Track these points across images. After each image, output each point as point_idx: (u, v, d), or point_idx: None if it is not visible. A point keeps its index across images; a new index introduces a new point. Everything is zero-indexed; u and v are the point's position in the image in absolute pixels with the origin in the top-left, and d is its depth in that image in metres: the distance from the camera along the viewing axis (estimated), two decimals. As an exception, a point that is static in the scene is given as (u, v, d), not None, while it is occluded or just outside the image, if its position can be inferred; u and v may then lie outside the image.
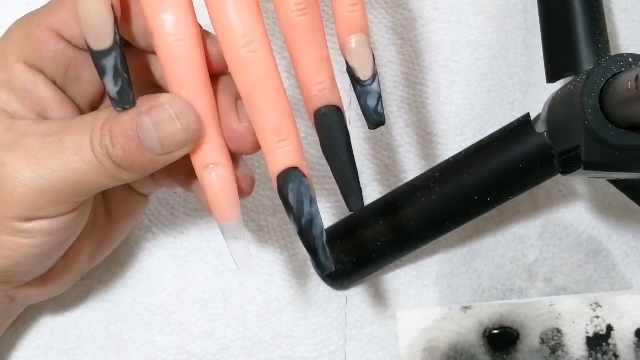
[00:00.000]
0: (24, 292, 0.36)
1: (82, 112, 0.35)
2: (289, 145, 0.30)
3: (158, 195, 0.43)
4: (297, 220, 0.30)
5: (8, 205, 0.31)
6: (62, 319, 0.42)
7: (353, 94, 0.32)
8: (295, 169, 0.30)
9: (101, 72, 0.29)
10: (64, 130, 0.31)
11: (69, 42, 0.32)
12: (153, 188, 0.39)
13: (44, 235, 0.32)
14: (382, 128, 0.43)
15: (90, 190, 0.32)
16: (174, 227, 0.43)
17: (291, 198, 0.30)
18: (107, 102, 0.36)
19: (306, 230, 0.31)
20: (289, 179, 0.30)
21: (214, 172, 0.31)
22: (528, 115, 0.38)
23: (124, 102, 0.30)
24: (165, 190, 0.43)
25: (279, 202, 0.43)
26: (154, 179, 0.37)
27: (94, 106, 0.36)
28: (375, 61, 0.31)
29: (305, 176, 0.30)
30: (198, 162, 0.31)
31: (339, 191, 0.32)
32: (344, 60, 0.31)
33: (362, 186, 0.43)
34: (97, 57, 0.29)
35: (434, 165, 0.42)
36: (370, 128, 0.32)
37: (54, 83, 0.33)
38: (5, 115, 0.32)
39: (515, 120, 0.39)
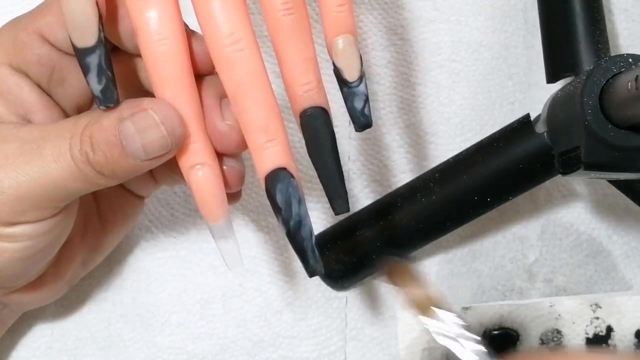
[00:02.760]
0: (15, 298, 0.35)
1: (67, 115, 0.34)
2: (276, 146, 0.30)
3: (158, 196, 0.43)
4: (286, 222, 0.30)
5: None
6: (62, 319, 0.42)
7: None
8: (283, 169, 0.30)
9: (85, 69, 0.29)
10: (43, 136, 0.30)
11: (53, 45, 0.32)
12: (153, 188, 0.38)
13: (26, 239, 0.31)
14: (382, 128, 0.43)
15: (69, 196, 0.31)
16: (173, 227, 0.43)
17: (279, 199, 0.30)
18: (94, 106, 0.35)
19: (294, 232, 0.30)
20: (277, 179, 0.30)
21: (200, 172, 0.31)
22: (528, 115, 0.38)
23: (108, 100, 0.29)
24: (165, 191, 0.43)
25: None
26: (155, 178, 0.37)
27: (80, 110, 0.35)
28: (363, 62, 0.31)
29: (293, 177, 0.30)
30: (184, 162, 0.31)
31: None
32: (332, 62, 0.31)
33: (361, 186, 0.44)
34: (81, 54, 0.29)
35: (434, 165, 0.42)
36: (357, 130, 0.31)
37: (39, 86, 0.33)
38: None
39: (515, 121, 0.39)
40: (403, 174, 0.44)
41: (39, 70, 0.32)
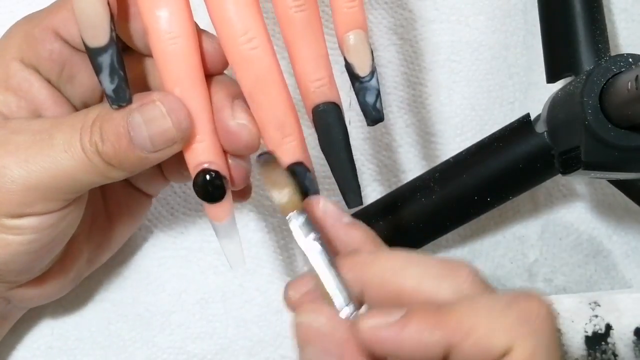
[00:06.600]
0: (19, 294, 0.35)
1: (77, 111, 0.34)
2: (293, 141, 0.30)
3: (158, 195, 0.43)
4: None
5: None
6: (62, 319, 0.42)
7: (353, 94, 0.32)
8: (300, 164, 0.30)
9: (97, 69, 0.29)
10: (55, 127, 0.31)
11: (66, 41, 0.32)
12: (162, 185, 0.38)
13: (32, 232, 0.31)
14: (382, 128, 0.43)
15: (79, 188, 0.31)
16: (173, 227, 0.43)
17: None
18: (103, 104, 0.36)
19: None
20: (294, 174, 0.30)
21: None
22: (528, 115, 0.38)
23: (120, 99, 0.30)
24: (164, 190, 0.43)
25: (279, 202, 0.43)
26: (164, 175, 0.37)
27: (87, 107, 0.35)
28: (374, 57, 0.31)
29: (309, 170, 0.31)
30: (191, 160, 0.31)
31: (338, 190, 0.32)
32: (343, 57, 0.31)
33: (361, 186, 0.43)
34: (93, 54, 0.29)
35: (434, 165, 0.42)
36: (368, 124, 0.32)
37: (49, 82, 0.33)
38: None
39: (515, 120, 0.39)
40: (403, 174, 0.44)
41: (50, 65, 0.32)
